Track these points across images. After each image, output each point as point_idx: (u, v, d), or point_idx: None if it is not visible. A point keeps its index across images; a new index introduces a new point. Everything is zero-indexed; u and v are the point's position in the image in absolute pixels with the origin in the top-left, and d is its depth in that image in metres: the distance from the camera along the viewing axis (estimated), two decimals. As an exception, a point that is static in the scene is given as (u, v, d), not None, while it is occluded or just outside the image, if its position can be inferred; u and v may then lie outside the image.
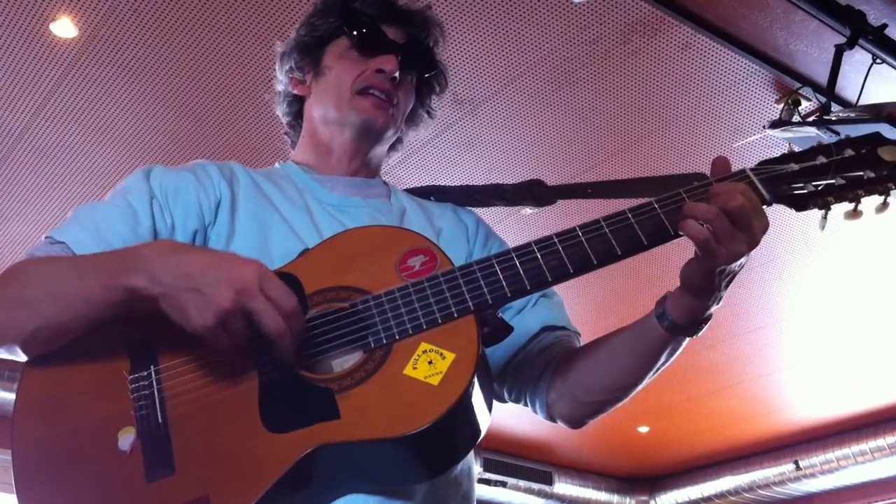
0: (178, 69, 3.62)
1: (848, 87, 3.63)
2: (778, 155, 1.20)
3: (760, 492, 7.85)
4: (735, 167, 1.20)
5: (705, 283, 1.14)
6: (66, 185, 4.27)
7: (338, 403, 1.08)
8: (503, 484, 7.48)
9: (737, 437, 7.56)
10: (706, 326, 1.20)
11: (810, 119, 3.60)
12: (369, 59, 1.44)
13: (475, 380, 1.09)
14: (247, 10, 3.34)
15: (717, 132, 4.09)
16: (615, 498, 8.29)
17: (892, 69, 3.49)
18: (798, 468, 7.55)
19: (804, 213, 1.19)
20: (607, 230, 1.16)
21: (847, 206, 1.18)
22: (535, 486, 7.72)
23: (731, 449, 7.81)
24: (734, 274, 1.15)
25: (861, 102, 3.57)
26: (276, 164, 1.52)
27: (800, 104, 3.71)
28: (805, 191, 1.16)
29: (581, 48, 3.59)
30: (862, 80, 3.50)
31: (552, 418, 1.37)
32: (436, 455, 1.12)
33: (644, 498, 8.47)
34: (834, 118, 3.40)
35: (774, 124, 3.62)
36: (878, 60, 3.43)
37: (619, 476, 8.38)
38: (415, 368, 1.09)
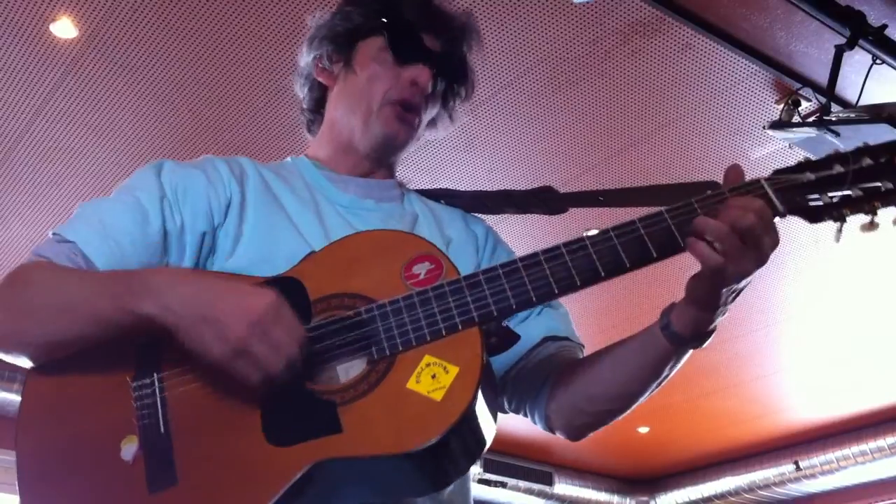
0: (179, 69, 3.62)
1: (848, 87, 3.63)
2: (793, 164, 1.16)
3: (761, 492, 7.85)
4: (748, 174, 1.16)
5: (711, 299, 1.13)
6: (67, 185, 4.27)
7: (340, 417, 1.07)
8: (503, 485, 7.47)
9: (737, 437, 7.56)
10: (710, 339, 1.19)
11: (810, 119, 3.60)
12: (403, 66, 1.41)
13: (479, 394, 1.07)
14: (247, 10, 3.34)
15: (717, 133, 4.08)
16: (615, 498, 8.29)
17: (892, 69, 3.49)
18: (798, 469, 7.55)
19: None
20: (616, 241, 1.13)
21: (863, 218, 1.13)
22: (536, 486, 7.71)
23: (731, 449, 7.81)
24: (740, 290, 1.14)
25: (861, 103, 3.57)
26: (288, 159, 1.50)
27: (800, 104, 3.71)
28: (820, 202, 1.13)
29: (581, 49, 3.59)
30: (862, 81, 3.50)
31: (551, 429, 1.35)
32: (439, 469, 1.11)
33: (644, 498, 8.46)
34: (834, 119, 3.40)
35: (774, 125, 3.62)
36: (878, 61, 3.43)
37: (620, 476, 8.37)
38: (418, 382, 1.08)
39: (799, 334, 5.87)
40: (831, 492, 7.77)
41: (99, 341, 1.13)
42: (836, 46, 3.38)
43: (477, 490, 7.32)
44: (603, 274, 1.13)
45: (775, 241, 1.10)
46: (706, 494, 8.09)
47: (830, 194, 1.12)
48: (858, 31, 3.26)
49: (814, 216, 1.14)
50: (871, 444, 7.20)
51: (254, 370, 1.07)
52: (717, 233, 1.07)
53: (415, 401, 1.07)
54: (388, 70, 1.41)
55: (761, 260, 1.09)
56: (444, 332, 1.11)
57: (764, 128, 3.73)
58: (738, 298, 1.18)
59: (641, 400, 1.28)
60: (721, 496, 8.00)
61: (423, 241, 1.22)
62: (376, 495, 1.11)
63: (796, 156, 4.09)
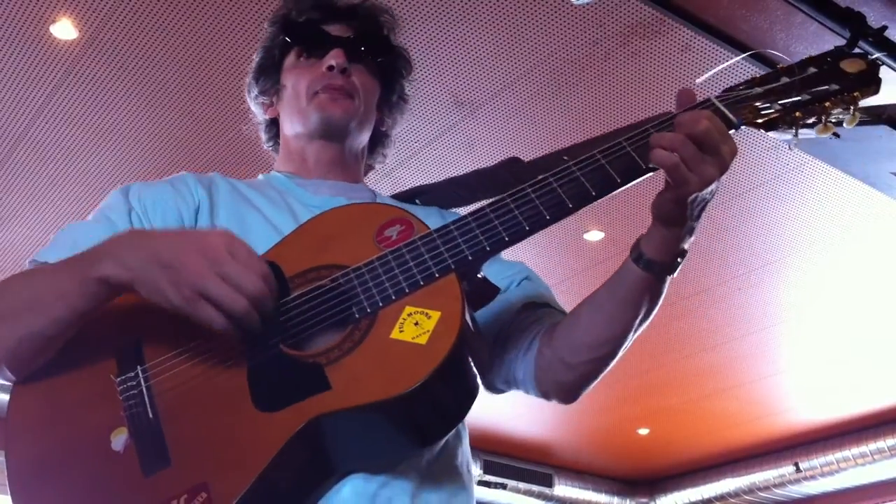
0: (179, 71, 3.62)
1: (848, 88, 3.63)
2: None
3: (761, 494, 7.86)
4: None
5: (678, 212, 1.14)
6: (67, 186, 4.27)
7: (328, 375, 1.07)
8: (503, 486, 7.48)
9: (737, 439, 7.57)
10: (682, 263, 1.20)
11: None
12: (319, 60, 1.46)
13: (463, 335, 1.08)
14: (246, 12, 3.35)
15: (717, 134, 4.09)
16: (615, 500, 8.30)
17: (892, 71, 3.49)
18: (798, 470, 7.55)
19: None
20: (579, 174, 1.16)
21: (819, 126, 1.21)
22: (536, 488, 7.72)
23: (731, 451, 7.81)
24: (706, 202, 1.16)
25: (861, 104, 3.57)
26: (260, 176, 1.53)
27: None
28: (772, 110, 1.18)
29: (581, 50, 3.60)
30: (862, 82, 3.50)
31: (545, 394, 1.34)
32: (431, 417, 1.11)
33: (644, 500, 8.47)
34: (833, 120, 3.39)
35: (774, 126, 3.62)
36: (878, 62, 3.42)
37: (620, 478, 8.38)
38: (401, 331, 1.09)
39: (798, 335, 5.87)
40: (831, 493, 7.77)
41: (70, 326, 1.12)
42: (836, 48, 3.38)
43: (477, 492, 7.26)
44: (571, 205, 1.15)
45: (733, 148, 1.13)
46: (706, 496, 8.10)
47: (781, 102, 1.18)
48: (858, 33, 3.26)
49: (767, 125, 1.19)
50: (872, 446, 7.21)
51: (216, 313, 1.04)
52: (672, 142, 1.11)
53: (400, 349, 1.07)
54: (306, 69, 1.47)
55: (722, 166, 1.12)
56: (421, 283, 1.12)
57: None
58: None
59: (625, 344, 1.26)
60: (721, 498, 8.01)
61: (391, 206, 1.25)
62: (372, 457, 1.11)
63: (796, 157, 4.09)
